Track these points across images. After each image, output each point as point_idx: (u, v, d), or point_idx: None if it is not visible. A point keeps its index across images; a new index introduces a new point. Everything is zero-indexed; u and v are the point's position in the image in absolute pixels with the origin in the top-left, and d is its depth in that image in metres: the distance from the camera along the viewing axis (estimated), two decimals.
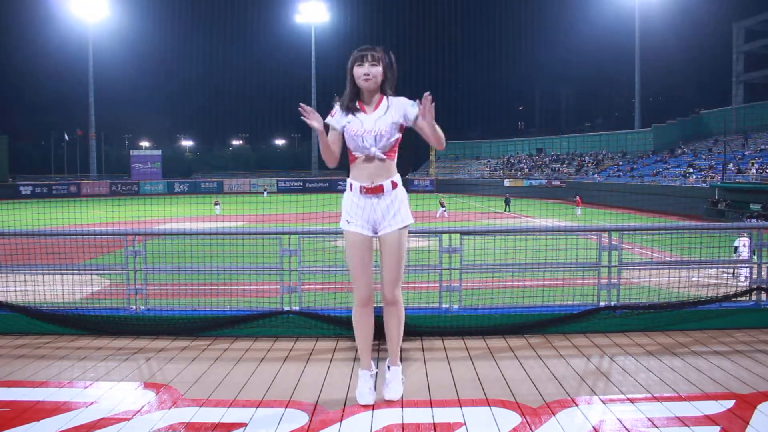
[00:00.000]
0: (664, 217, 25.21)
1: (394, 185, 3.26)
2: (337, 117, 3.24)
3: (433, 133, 3.13)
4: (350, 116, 3.20)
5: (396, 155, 3.30)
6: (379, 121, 3.18)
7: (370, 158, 3.21)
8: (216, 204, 31.45)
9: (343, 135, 3.25)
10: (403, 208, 3.28)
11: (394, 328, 3.36)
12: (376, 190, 3.22)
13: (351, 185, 3.28)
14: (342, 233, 3.37)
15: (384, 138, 3.18)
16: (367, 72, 3.12)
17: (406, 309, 3.47)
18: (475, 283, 6.09)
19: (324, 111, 3.32)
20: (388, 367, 3.41)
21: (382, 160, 3.20)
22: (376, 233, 3.29)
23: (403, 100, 3.22)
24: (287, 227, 4.91)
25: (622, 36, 59.34)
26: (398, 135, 3.24)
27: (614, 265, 4.89)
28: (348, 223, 3.29)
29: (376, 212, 3.25)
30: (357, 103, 3.22)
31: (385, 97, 3.23)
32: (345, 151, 3.32)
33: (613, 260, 4.90)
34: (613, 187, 40.25)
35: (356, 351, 4.12)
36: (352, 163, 3.28)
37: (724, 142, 39.30)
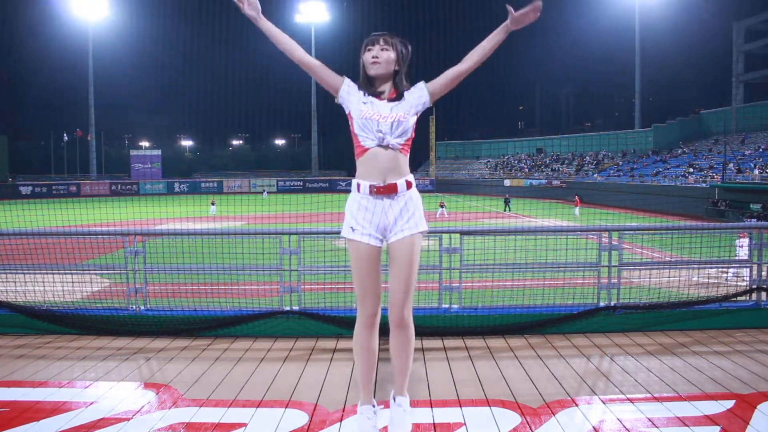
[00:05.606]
0: (664, 217, 25.18)
1: (409, 185, 2.82)
2: (352, 90, 2.86)
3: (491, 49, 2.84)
4: (367, 97, 2.82)
5: (409, 152, 2.88)
6: (396, 107, 2.80)
7: (383, 148, 2.77)
8: (212, 204, 31.75)
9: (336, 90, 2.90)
10: (417, 212, 2.83)
11: (403, 356, 2.86)
12: (389, 190, 2.77)
13: (358, 186, 2.82)
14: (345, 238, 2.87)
15: (401, 125, 2.78)
16: (376, 55, 2.78)
17: None
18: (474, 283, 6.09)
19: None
20: (394, 398, 2.91)
21: (395, 151, 2.78)
22: (383, 241, 2.84)
23: (418, 84, 2.88)
24: (287, 227, 4.91)
25: (622, 36, 59.34)
26: (414, 125, 2.85)
27: (614, 265, 4.89)
28: (352, 230, 2.80)
29: (388, 217, 2.78)
30: (372, 88, 2.84)
31: (397, 91, 2.84)
32: (347, 148, 3.14)
33: (613, 260, 4.90)
34: (613, 187, 40.23)
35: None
36: (359, 158, 2.83)
37: (724, 142, 39.29)
